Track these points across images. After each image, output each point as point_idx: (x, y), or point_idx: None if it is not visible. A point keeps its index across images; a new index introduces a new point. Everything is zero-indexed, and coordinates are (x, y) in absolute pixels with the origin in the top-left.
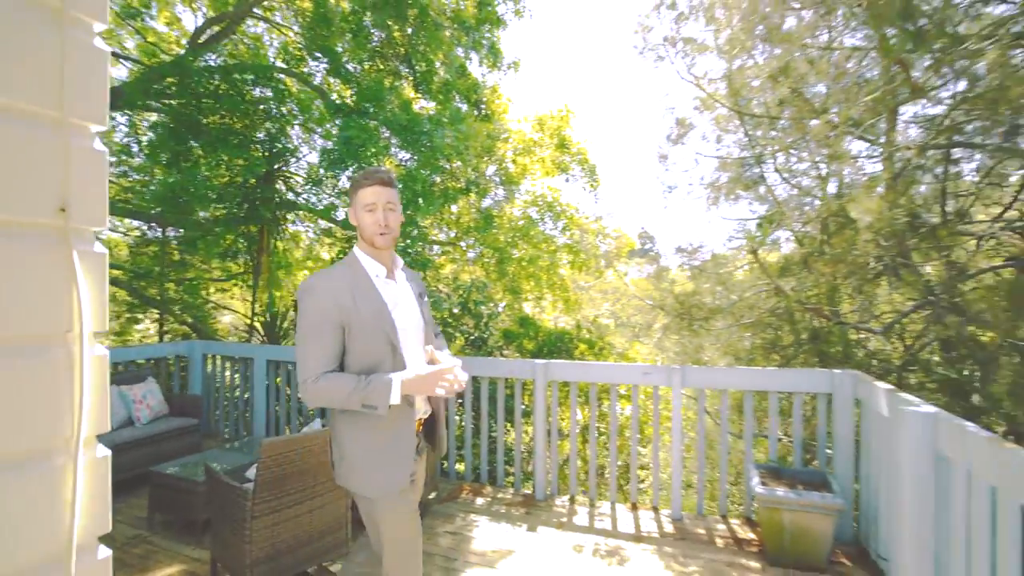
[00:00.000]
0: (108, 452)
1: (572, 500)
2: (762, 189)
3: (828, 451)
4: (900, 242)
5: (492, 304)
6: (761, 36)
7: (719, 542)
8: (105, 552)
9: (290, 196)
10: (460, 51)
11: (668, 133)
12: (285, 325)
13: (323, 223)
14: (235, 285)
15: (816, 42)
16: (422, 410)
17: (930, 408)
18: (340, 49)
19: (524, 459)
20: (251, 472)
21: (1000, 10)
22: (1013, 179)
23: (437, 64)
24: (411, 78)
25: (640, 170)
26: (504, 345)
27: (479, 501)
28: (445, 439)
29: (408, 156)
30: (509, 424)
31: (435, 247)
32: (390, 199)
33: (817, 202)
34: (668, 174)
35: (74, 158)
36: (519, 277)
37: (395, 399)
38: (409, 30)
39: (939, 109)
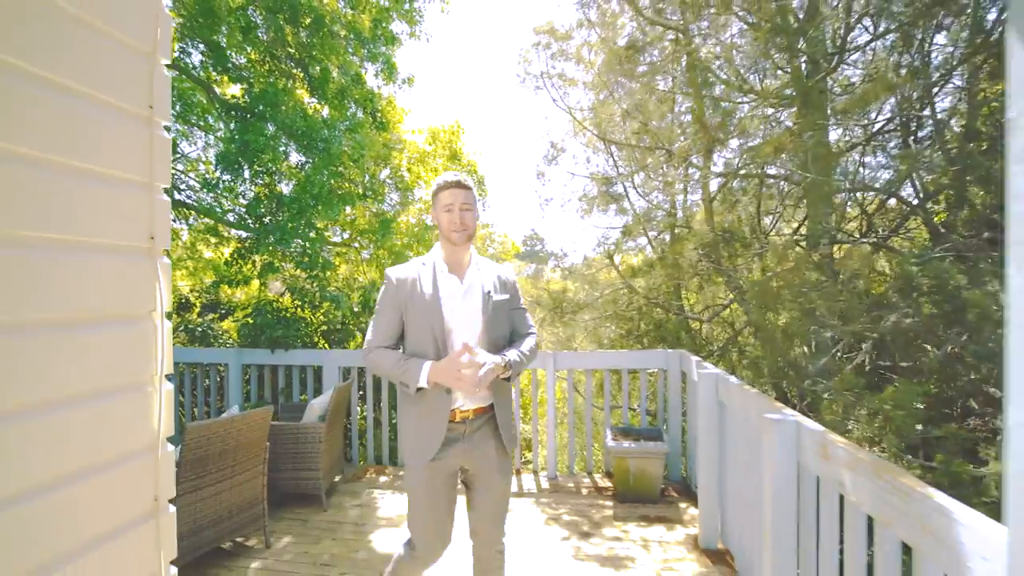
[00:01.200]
0: (171, 385)
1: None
2: (625, 203)
3: (666, 414)
4: (714, 250)
5: None
6: (616, 78)
7: (584, 491)
8: (170, 447)
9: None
10: (355, 59)
11: (545, 154)
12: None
13: (208, 220)
14: None
15: (660, 87)
16: (476, 400)
17: (715, 370)
18: (225, 44)
19: None
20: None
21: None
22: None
23: (334, 73)
24: (305, 82)
25: (527, 181)
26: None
27: (382, 479)
28: (511, 430)
29: (303, 159)
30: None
31: (327, 248)
32: (466, 200)
33: (665, 215)
34: (545, 188)
35: (156, 207)
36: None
37: (423, 382)
38: (304, 35)
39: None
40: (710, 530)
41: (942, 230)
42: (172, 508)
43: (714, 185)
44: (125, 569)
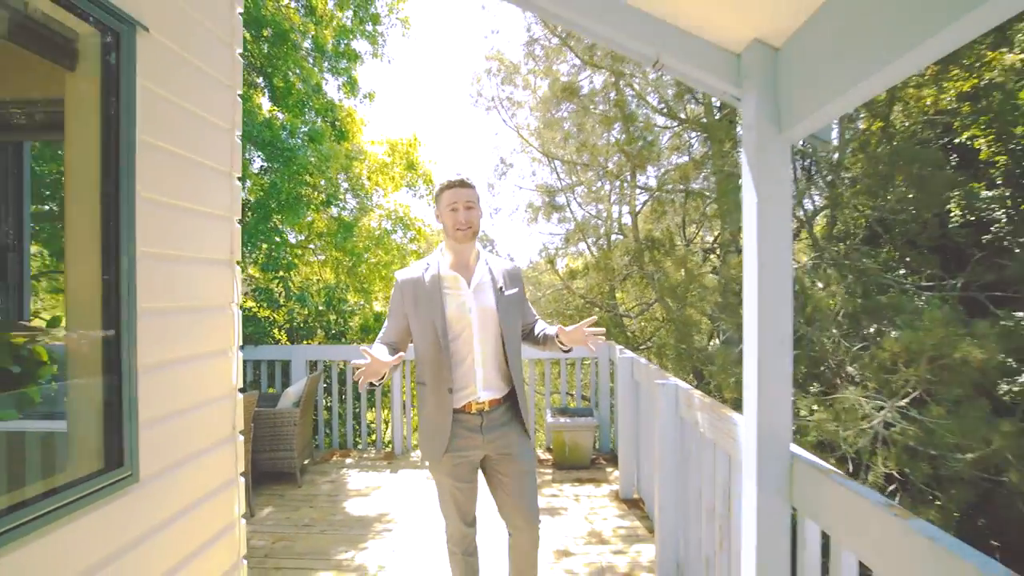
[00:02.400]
0: (241, 353)
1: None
2: (567, 213)
3: (597, 396)
4: (639, 257)
5: (351, 303)
6: (559, 104)
7: None
8: (239, 395)
9: None
10: (317, 70)
11: (495, 168)
12: None
13: None
14: None
15: (601, 108)
16: (491, 391)
17: (631, 355)
18: None
19: (384, 427)
20: None
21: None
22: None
23: (298, 85)
24: (267, 91)
25: (479, 191)
26: (363, 337)
27: (348, 460)
28: (526, 418)
29: (266, 164)
30: (372, 400)
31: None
32: (469, 199)
33: (602, 224)
34: (495, 200)
35: (233, 232)
36: (370, 279)
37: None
38: (265, 47)
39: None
40: (627, 483)
41: (821, 242)
42: (240, 437)
43: (644, 199)
44: (219, 471)
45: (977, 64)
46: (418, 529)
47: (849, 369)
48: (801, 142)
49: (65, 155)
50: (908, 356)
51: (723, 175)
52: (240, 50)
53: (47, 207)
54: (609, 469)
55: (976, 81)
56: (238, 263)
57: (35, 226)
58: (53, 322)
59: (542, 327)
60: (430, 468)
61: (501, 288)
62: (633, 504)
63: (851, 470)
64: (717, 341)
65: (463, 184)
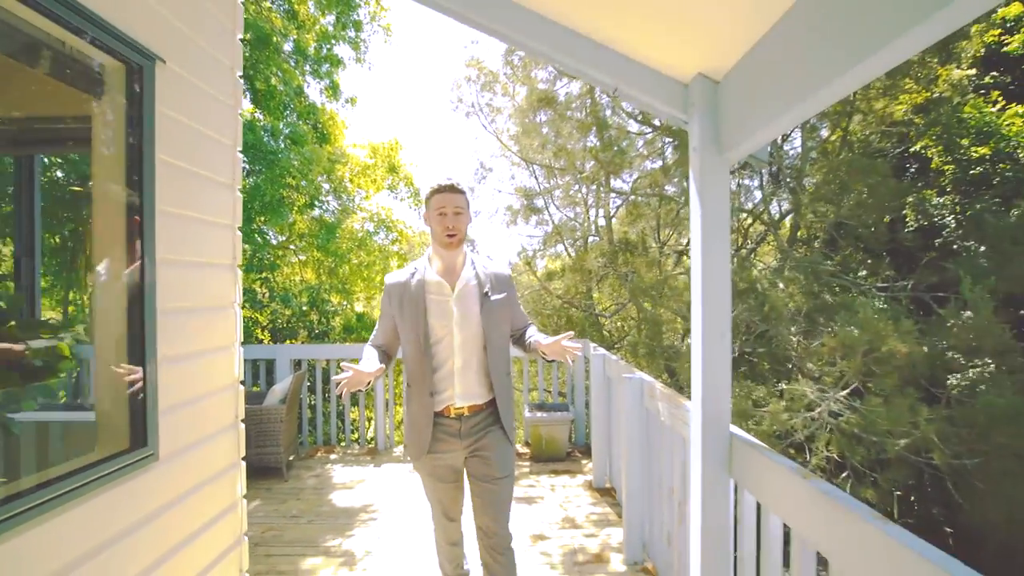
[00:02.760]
0: (242, 349)
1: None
2: (545, 215)
3: (574, 393)
4: (613, 259)
5: (334, 304)
6: (536, 111)
7: None
8: (240, 387)
9: None
10: (298, 73)
11: (475, 172)
12: None
13: None
14: None
15: (579, 115)
16: (470, 398)
17: (604, 352)
18: None
19: (367, 425)
20: None
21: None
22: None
23: (280, 87)
24: (248, 94)
25: (467, 188)
26: (345, 337)
27: (333, 456)
28: (508, 423)
29: (248, 167)
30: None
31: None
32: (457, 204)
33: (579, 227)
34: (475, 203)
35: (235, 238)
36: (351, 279)
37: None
38: (247, 50)
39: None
40: (600, 473)
41: (785, 245)
42: (242, 425)
43: (619, 203)
44: (224, 454)
45: (929, 78)
46: (402, 518)
47: (809, 365)
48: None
49: (92, 171)
50: (844, 351)
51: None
52: (240, 72)
53: (71, 214)
54: (584, 461)
55: (928, 94)
56: (238, 266)
57: (62, 232)
58: (80, 320)
59: (532, 332)
60: (414, 466)
61: (487, 293)
62: (605, 492)
63: (807, 457)
64: (690, 340)
65: (452, 189)
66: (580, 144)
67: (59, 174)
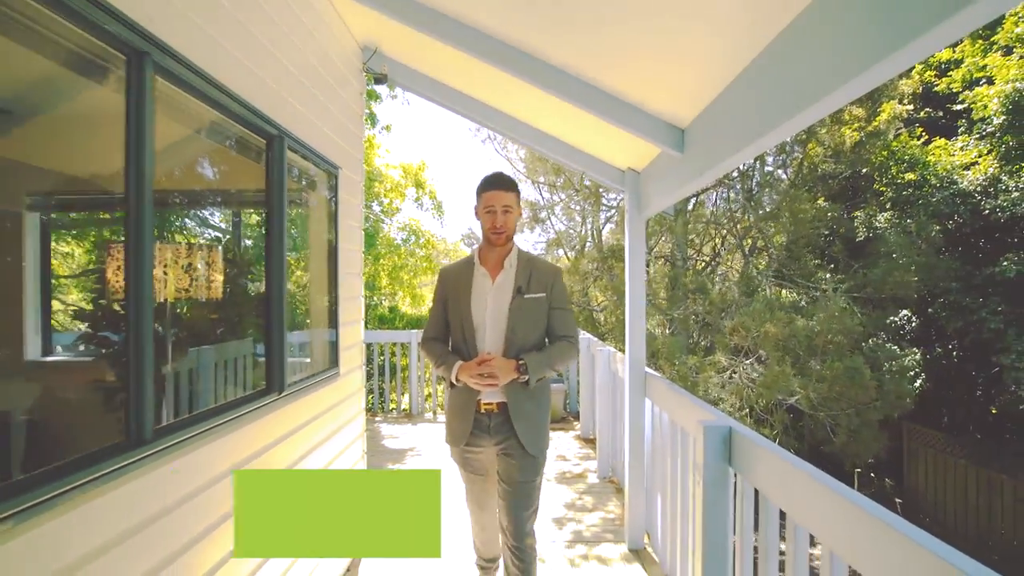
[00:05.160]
0: (364, 360)
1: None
2: (548, 225)
3: (568, 370)
4: (603, 263)
5: (375, 298)
6: None
7: None
8: (363, 344)
9: None
10: None
11: None
12: None
13: None
14: None
15: None
16: (493, 395)
17: (589, 336)
18: None
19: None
20: None
21: None
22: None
23: None
24: None
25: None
26: (379, 326)
27: (378, 419)
28: (533, 428)
29: None
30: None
31: None
32: (507, 202)
33: (576, 236)
34: None
35: (360, 282)
36: (377, 276)
37: (453, 379)
38: None
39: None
40: (586, 427)
41: (749, 255)
42: (364, 367)
43: (608, 215)
44: (358, 381)
45: (874, 111)
46: (438, 454)
47: (728, 342)
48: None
49: (310, 240)
50: (743, 330)
51: None
52: (363, 161)
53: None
54: (575, 423)
55: (872, 127)
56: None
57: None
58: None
59: (559, 349)
60: (451, 452)
61: (520, 289)
62: (589, 441)
63: (729, 410)
64: (667, 330)
65: (503, 185)
66: None
67: (293, 231)
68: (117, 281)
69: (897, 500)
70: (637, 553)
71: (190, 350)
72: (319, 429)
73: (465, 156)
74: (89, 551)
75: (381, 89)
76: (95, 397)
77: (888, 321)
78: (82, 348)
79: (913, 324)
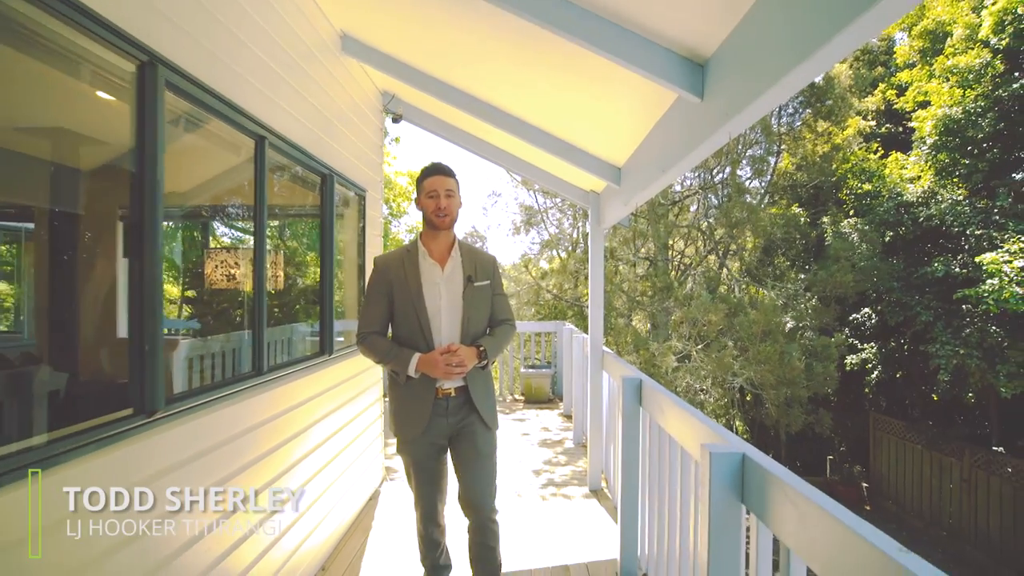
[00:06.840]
0: None
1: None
2: (542, 228)
3: (556, 357)
4: (587, 263)
5: None
6: None
7: (507, 400)
8: None
9: None
10: None
11: (488, 195)
12: None
13: None
14: None
15: None
16: (456, 382)
17: (571, 327)
18: None
19: None
20: None
21: None
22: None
23: None
24: None
25: (476, 211)
26: None
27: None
28: (489, 411)
29: None
30: None
31: None
32: (449, 187)
33: (568, 238)
34: (487, 219)
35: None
36: None
37: (411, 372)
38: None
39: None
40: (568, 405)
41: (722, 261)
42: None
43: None
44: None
45: (841, 125)
46: None
47: (681, 329)
48: (617, 223)
49: (346, 246)
50: (690, 320)
51: (646, 207)
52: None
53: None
54: (559, 402)
55: (839, 139)
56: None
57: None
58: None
59: (504, 333)
60: (399, 448)
61: (470, 277)
62: (570, 417)
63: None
64: (648, 324)
65: (444, 171)
66: None
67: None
68: (244, 275)
69: (864, 485)
70: (596, 492)
71: (284, 323)
72: (355, 386)
73: (465, 162)
74: (225, 437)
75: None
76: (242, 349)
77: (851, 318)
78: (232, 320)
79: (872, 321)
